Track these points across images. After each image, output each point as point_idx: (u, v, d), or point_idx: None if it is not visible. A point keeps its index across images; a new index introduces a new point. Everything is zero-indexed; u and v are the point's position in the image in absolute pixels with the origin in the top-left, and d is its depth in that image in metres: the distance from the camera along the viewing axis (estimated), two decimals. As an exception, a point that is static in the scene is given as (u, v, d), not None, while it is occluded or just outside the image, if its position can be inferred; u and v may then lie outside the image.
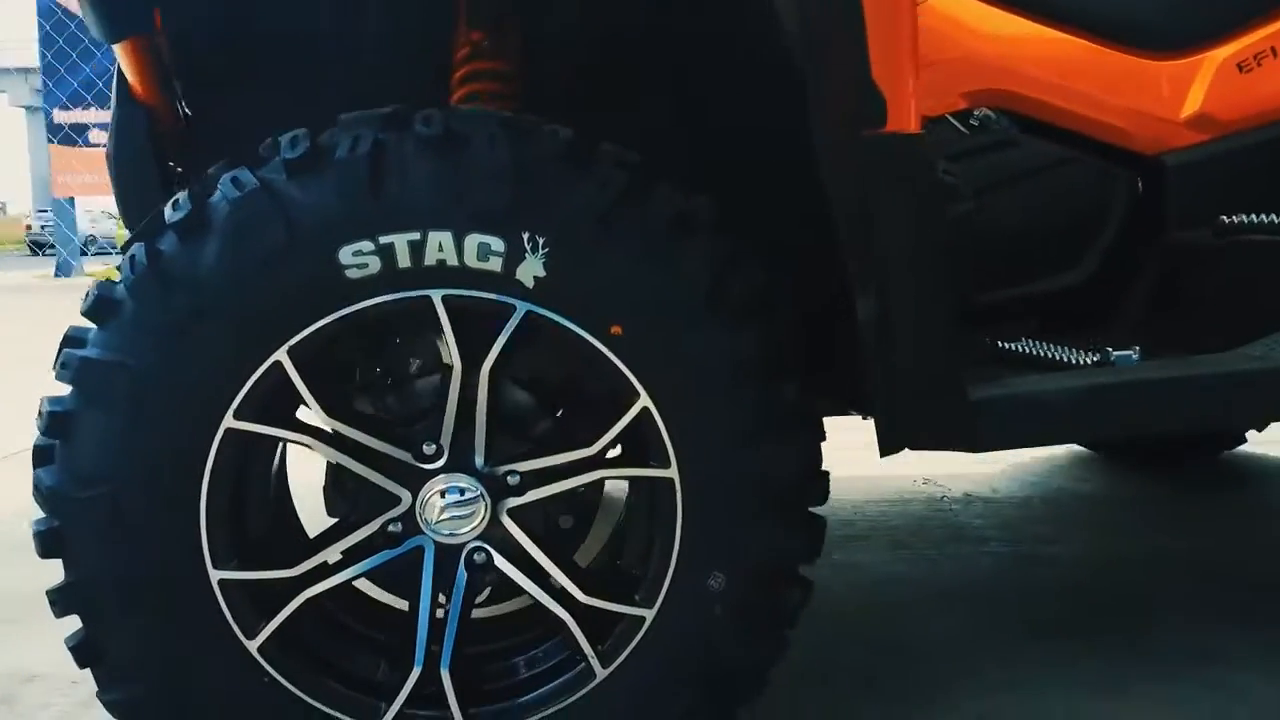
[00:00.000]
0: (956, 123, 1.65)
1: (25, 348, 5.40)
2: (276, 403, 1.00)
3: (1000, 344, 1.43)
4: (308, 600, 1.05)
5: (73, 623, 0.99)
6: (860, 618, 1.77)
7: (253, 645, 1.03)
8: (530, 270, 0.99)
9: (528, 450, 1.09)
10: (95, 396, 0.95)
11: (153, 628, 1.00)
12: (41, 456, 0.99)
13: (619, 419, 1.05)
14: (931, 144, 1.17)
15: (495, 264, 0.99)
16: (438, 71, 1.32)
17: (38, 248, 21.74)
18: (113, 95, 1.29)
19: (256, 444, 1.03)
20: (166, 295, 0.95)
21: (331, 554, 1.06)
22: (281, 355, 0.97)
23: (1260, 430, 2.47)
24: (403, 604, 1.13)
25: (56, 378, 0.98)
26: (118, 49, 1.17)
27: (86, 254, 17.51)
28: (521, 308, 1.00)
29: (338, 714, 1.05)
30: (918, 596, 1.88)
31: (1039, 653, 1.61)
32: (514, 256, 0.98)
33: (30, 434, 1.00)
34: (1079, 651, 1.61)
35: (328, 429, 1.04)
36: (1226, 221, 1.54)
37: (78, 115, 13.96)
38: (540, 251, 0.98)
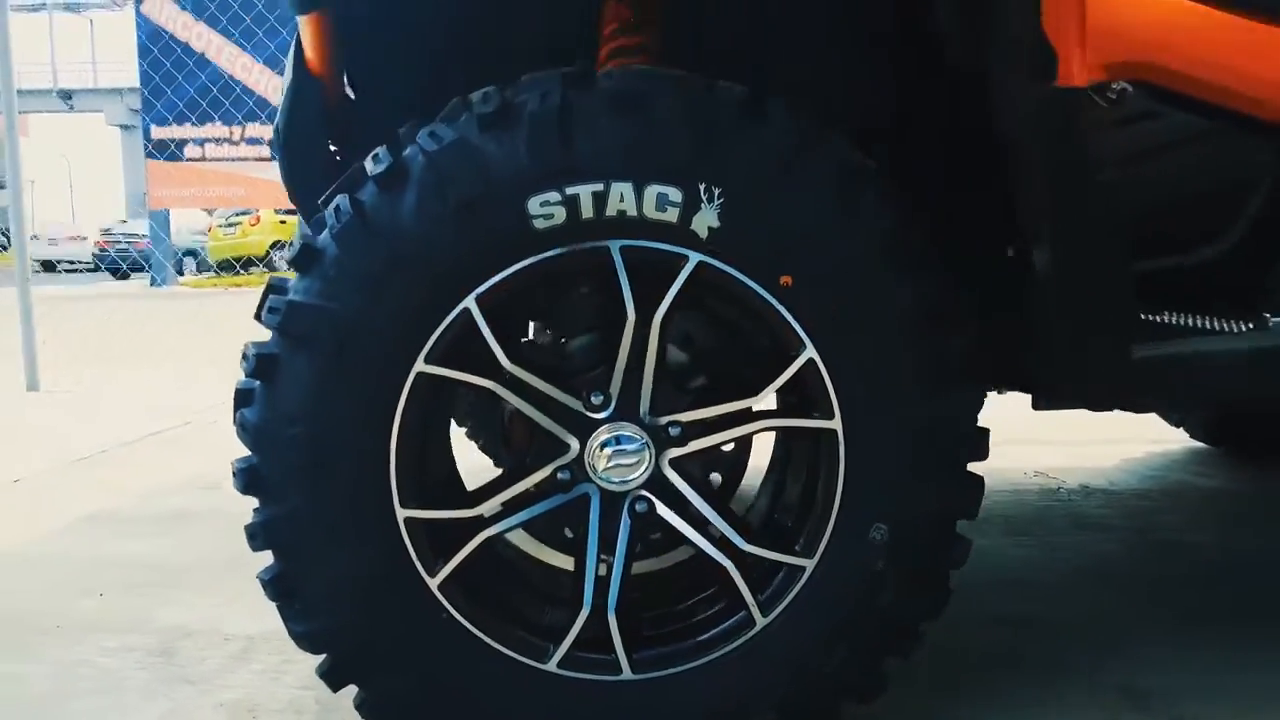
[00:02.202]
0: (1095, 96, 1.64)
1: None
2: (462, 349, 1.06)
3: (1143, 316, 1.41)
4: (480, 544, 1.10)
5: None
6: (990, 596, 1.76)
7: (433, 583, 1.08)
8: (705, 221, 1.02)
9: (690, 401, 1.13)
10: (300, 339, 1.02)
11: (344, 563, 1.06)
12: (244, 398, 1.06)
13: (783, 371, 1.07)
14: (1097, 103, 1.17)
15: (672, 214, 1.02)
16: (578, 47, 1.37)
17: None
18: (287, 72, 1.37)
19: (441, 389, 1.09)
20: (368, 243, 1.01)
21: (506, 498, 1.11)
22: (470, 303, 1.03)
23: None
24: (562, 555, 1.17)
25: (263, 323, 1.05)
26: (302, 21, 1.24)
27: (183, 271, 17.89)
28: (694, 258, 1.04)
29: (509, 651, 1.10)
30: (1049, 578, 1.86)
31: (1191, 633, 1.58)
32: (690, 207, 1.02)
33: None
34: (1235, 634, 1.56)
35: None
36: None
37: (175, 131, 14.69)
38: (715, 202, 1.02)
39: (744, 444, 1.26)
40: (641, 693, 1.10)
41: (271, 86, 13.73)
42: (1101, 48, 1.66)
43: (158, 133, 14.78)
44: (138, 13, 14.39)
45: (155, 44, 14.28)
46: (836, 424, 1.07)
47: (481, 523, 1.10)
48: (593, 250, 1.03)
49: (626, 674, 1.10)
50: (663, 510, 1.12)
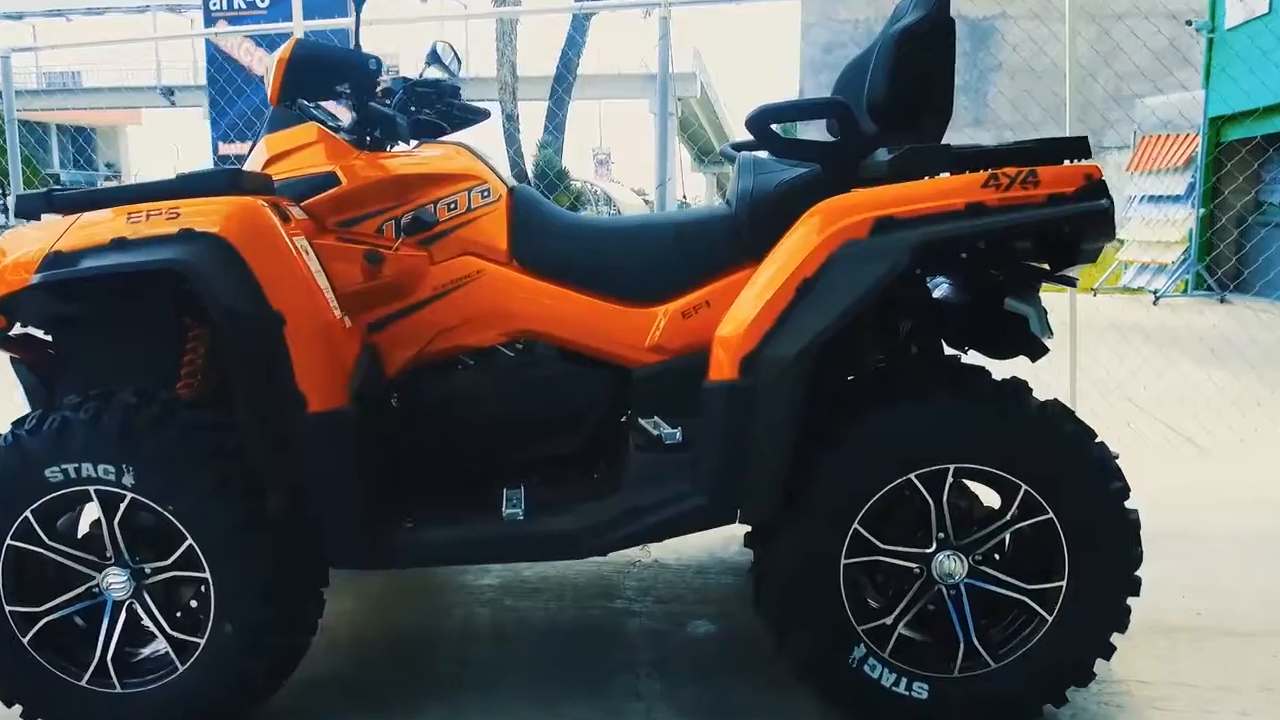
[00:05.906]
0: (505, 349, 2.67)
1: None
2: (39, 532, 2.21)
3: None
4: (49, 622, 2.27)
5: None
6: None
7: (25, 640, 2.24)
8: (129, 479, 2.15)
9: (152, 559, 2.26)
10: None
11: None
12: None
13: (176, 549, 2.20)
14: (358, 411, 2.22)
15: (111, 475, 2.15)
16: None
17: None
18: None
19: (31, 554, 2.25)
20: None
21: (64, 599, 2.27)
22: (28, 514, 2.18)
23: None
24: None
25: None
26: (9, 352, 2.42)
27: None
28: (129, 496, 2.17)
29: (64, 676, 2.26)
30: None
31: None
32: (120, 472, 2.15)
33: None
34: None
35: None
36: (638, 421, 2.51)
37: (238, 148, 16.42)
38: (131, 470, 2.14)
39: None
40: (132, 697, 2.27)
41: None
42: (497, 321, 2.67)
43: (224, 149, 16.54)
44: (207, 42, 16.09)
45: (220, 72, 15.98)
46: (207, 574, 2.19)
47: (46, 614, 2.26)
48: (80, 491, 2.17)
49: (118, 690, 2.26)
50: (141, 611, 2.26)
